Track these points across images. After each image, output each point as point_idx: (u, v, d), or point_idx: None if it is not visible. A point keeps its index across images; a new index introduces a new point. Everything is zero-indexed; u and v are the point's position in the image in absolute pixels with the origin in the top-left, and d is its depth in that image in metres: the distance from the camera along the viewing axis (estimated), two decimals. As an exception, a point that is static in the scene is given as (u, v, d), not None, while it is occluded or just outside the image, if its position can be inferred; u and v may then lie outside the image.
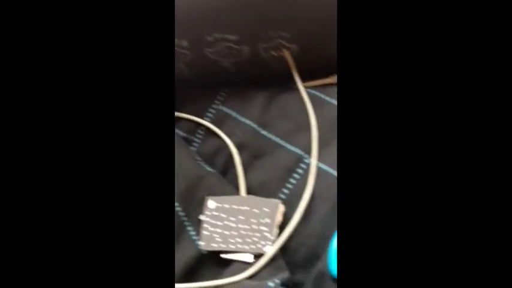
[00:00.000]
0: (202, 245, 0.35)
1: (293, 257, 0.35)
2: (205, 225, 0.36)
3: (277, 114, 0.39)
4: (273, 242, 0.34)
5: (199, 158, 0.40)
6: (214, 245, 0.35)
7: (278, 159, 0.37)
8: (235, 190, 0.38)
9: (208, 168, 0.39)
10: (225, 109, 0.41)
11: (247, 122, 0.39)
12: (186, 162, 0.38)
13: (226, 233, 0.35)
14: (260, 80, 0.40)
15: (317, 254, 0.35)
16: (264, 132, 0.39)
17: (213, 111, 0.42)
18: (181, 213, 0.37)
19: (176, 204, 0.36)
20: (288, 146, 0.38)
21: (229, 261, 0.35)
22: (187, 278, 0.35)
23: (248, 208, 0.35)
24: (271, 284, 0.32)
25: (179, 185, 0.36)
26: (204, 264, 0.35)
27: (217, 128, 0.40)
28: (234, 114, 0.40)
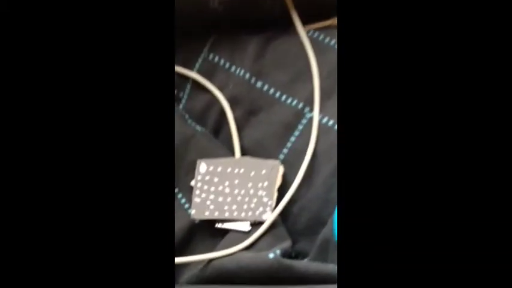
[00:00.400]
0: (194, 213, 0.34)
1: (295, 224, 0.34)
2: (196, 192, 0.34)
3: (274, 62, 0.37)
4: (273, 208, 0.33)
5: (187, 116, 0.38)
6: (207, 213, 0.34)
7: (276, 115, 0.36)
8: (229, 151, 0.36)
9: (198, 128, 0.37)
10: (214, 58, 0.38)
11: (240, 72, 0.37)
12: None
13: (220, 199, 0.34)
14: (253, 22, 0.38)
15: (321, 220, 0.33)
16: (259, 84, 0.37)
17: (200, 61, 0.39)
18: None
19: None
20: (287, 99, 0.36)
21: (225, 231, 0.34)
22: (179, 251, 0.34)
23: (244, 171, 0.34)
24: (271, 255, 0.30)
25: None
26: (196, 235, 0.35)
27: (206, 80, 0.38)
28: (224, 63, 0.38)
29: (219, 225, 0.34)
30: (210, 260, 0.32)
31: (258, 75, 0.37)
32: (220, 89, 0.38)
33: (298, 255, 0.34)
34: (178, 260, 0.32)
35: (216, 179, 0.34)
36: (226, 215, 0.34)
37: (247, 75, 0.37)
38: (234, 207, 0.34)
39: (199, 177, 0.34)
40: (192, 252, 0.34)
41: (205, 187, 0.34)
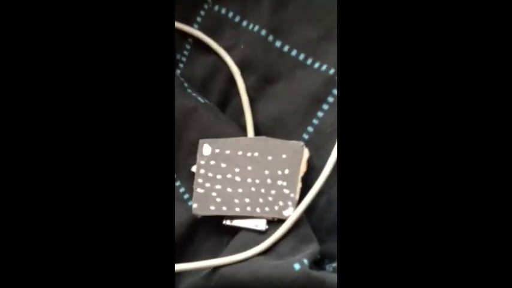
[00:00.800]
0: (196, 207, 0.31)
1: (322, 220, 0.31)
2: (199, 180, 0.31)
3: (297, 16, 0.34)
4: (296, 202, 0.30)
5: (186, 85, 0.35)
6: (213, 207, 0.31)
7: (299, 83, 0.33)
8: (240, 129, 0.34)
9: (200, 99, 0.34)
10: (221, 10, 0.36)
11: (254, 28, 0.34)
12: None
13: (229, 190, 0.31)
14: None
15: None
16: (278, 43, 0.33)
17: (203, 14, 0.36)
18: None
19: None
20: (314, 63, 0.33)
21: (234, 230, 0.31)
22: (178, 253, 0.31)
23: (259, 155, 0.31)
24: (297, 265, 0.27)
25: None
26: (198, 234, 0.32)
27: (210, 39, 0.35)
28: (234, 17, 0.35)
29: (227, 223, 0.31)
30: (217, 266, 0.28)
31: (277, 33, 0.34)
32: (228, 49, 0.35)
33: (325, 258, 0.30)
34: (178, 267, 0.29)
35: (223, 165, 0.31)
36: (237, 210, 0.30)
37: (263, 32, 0.34)
38: (247, 200, 0.30)
39: (202, 162, 0.31)
40: (193, 255, 0.31)
41: (210, 174, 0.31)
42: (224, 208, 0.30)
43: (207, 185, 0.31)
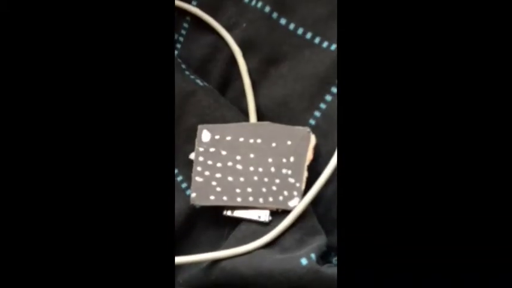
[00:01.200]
0: (195, 197, 0.31)
1: (329, 211, 0.31)
2: (197, 168, 0.31)
3: None
4: (301, 192, 0.30)
5: (184, 66, 0.35)
6: (212, 197, 0.30)
7: (306, 64, 0.32)
8: (241, 114, 0.33)
9: (199, 81, 0.34)
10: None
11: (257, 4, 0.33)
12: None
13: (230, 179, 0.30)
14: None
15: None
16: (284, 21, 0.32)
17: None
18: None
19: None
20: (322, 42, 0.32)
21: (235, 222, 0.31)
22: (175, 245, 0.31)
23: (262, 141, 0.30)
24: (304, 260, 0.26)
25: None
26: (197, 225, 0.32)
27: (210, 16, 0.35)
28: None
29: (228, 214, 0.30)
30: (217, 259, 0.28)
31: (282, 9, 0.33)
32: (229, 28, 0.34)
33: (331, 250, 0.30)
34: (177, 259, 0.28)
35: (224, 152, 0.30)
36: (238, 200, 0.29)
37: (267, 9, 0.33)
38: (249, 190, 0.29)
39: (201, 149, 0.31)
40: (191, 247, 0.31)
41: (210, 162, 0.30)
42: (225, 198, 0.29)
43: (207, 173, 0.30)
